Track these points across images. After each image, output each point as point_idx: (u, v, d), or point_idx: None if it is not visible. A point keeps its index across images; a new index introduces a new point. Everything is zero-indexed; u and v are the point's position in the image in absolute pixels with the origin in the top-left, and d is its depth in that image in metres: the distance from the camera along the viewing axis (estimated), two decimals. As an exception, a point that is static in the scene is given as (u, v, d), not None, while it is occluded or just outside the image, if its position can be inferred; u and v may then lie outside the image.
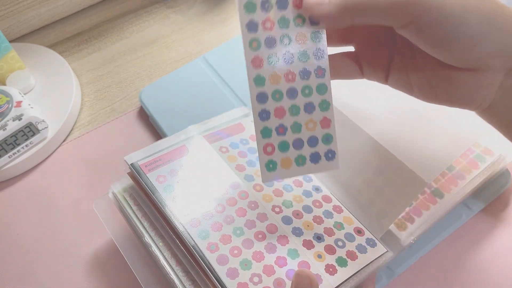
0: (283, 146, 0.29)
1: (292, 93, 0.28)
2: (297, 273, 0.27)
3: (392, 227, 0.34)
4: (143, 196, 0.35)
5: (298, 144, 0.29)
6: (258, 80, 0.28)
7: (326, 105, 0.29)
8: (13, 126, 0.42)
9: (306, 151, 0.30)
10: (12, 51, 0.48)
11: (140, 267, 0.34)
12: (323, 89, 0.29)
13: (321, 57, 0.28)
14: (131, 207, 0.35)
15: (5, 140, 0.42)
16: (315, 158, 0.30)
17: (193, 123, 0.40)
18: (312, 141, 0.29)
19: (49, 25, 0.58)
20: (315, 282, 0.27)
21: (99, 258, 0.39)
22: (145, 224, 0.34)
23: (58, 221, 0.41)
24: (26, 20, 0.55)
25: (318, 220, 0.34)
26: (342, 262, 0.32)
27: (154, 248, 0.33)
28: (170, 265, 0.32)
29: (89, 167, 0.45)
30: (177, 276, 0.32)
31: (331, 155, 0.30)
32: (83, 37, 0.56)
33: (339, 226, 0.34)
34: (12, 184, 0.44)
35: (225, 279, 0.30)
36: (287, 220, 0.34)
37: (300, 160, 0.30)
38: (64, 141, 0.47)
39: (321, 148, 0.30)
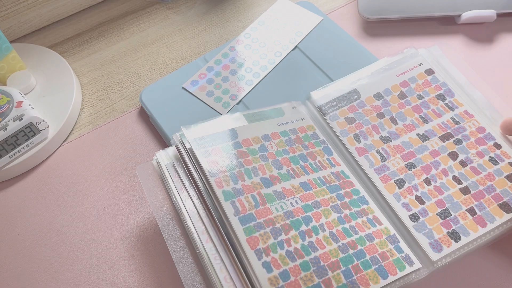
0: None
1: None
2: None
3: None
4: (185, 168, 0.36)
5: None
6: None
7: None
8: (14, 126, 0.43)
9: None
10: (13, 51, 0.48)
11: (174, 239, 0.35)
12: None
13: None
14: (171, 177, 0.36)
15: (5, 140, 0.43)
16: None
17: (193, 123, 0.40)
18: None
19: (50, 25, 0.58)
20: None
21: (102, 256, 0.39)
22: (184, 196, 0.35)
23: (58, 221, 0.42)
24: (27, 21, 0.55)
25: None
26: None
27: (188, 222, 0.34)
28: (200, 240, 0.33)
29: (89, 168, 0.45)
30: (205, 250, 0.32)
31: None
32: (84, 38, 0.56)
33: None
34: (12, 184, 0.44)
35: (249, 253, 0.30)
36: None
37: None
38: (64, 141, 0.47)
39: None
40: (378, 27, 0.53)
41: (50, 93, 0.49)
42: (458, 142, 0.39)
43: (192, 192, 0.35)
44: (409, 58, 0.44)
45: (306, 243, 0.32)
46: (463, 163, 0.38)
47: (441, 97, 0.42)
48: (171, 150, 0.37)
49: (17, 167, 0.44)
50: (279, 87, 0.47)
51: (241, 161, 0.35)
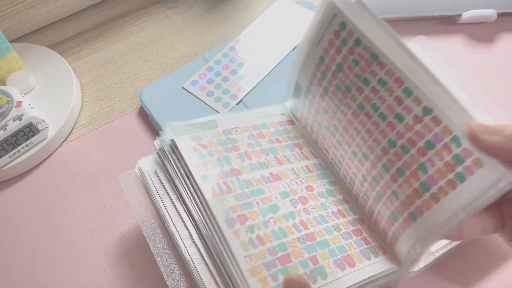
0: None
1: None
2: (286, 279, 0.26)
3: None
4: (166, 172, 0.35)
5: None
6: None
7: None
8: (13, 126, 0.43)
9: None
10: (13, 51, 0.48)
11: (159, 245, 0.35)
12: None
13: None
14: (153, 183, 0.35)
15: (5, 140, 0.43)
16: None
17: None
18: None
19: (50, 25, 0.58)
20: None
21: (101, 256, 0.39)
22: (166, 202, 0.35)
23: (59, 221, 0.41)
24: (27, 21, 0.55)
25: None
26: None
27: (172, 228, 0.33)
28: (184, 246, 0.33)
29: (89, 167, 0.45)
30: (189, 255, 0.32)
31: None
32: (84, 37, 0.56)
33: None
34: (12, 184, 0.44)
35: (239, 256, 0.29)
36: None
37: None
38: (64, 141, 0.47)
39: None
40: (378, 26, 0.53)
41: (49, 93, 0.49)
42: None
43: (174, 197, 0.35)
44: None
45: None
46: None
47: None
48: (153, 157, 0.37)
49: (17, 167, 0.44)
50: (279, 87, 0.47)
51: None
